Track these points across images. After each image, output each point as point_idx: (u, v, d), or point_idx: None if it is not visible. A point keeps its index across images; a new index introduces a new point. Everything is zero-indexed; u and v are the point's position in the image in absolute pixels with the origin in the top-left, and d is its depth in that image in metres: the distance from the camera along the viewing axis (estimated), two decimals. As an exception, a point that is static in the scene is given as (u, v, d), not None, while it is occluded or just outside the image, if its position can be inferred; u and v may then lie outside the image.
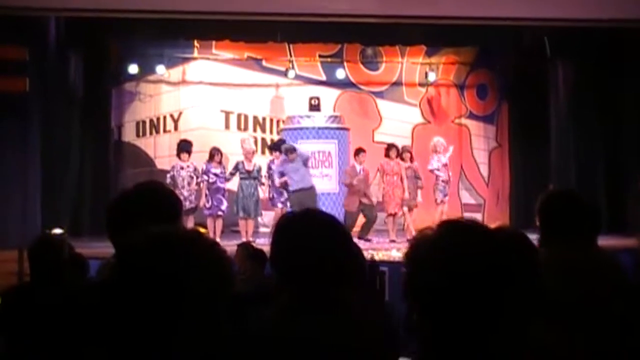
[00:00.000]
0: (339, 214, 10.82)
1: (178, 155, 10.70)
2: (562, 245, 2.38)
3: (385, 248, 9.59)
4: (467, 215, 13.13)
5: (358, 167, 10.75)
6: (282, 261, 1.88)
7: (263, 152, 13.38)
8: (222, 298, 1.29)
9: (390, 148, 11.27)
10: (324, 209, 10.89)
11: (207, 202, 10.56)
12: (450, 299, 1.21)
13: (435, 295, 1.23)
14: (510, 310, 1.21)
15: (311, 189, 10.29)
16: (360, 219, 10.78)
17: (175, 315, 1.23)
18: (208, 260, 1.29)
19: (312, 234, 1.85)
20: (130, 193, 2.17)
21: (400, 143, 13.52)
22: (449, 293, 1.22)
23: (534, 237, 2.56)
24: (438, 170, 11.11)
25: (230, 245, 6.67)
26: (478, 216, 13.52)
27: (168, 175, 10.56)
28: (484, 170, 14.01)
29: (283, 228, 1.92)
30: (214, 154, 10.69)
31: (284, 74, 12.99)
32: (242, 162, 10.67)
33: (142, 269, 1.25)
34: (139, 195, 2.15)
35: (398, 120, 13.86)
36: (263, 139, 13.43)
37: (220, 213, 10.57)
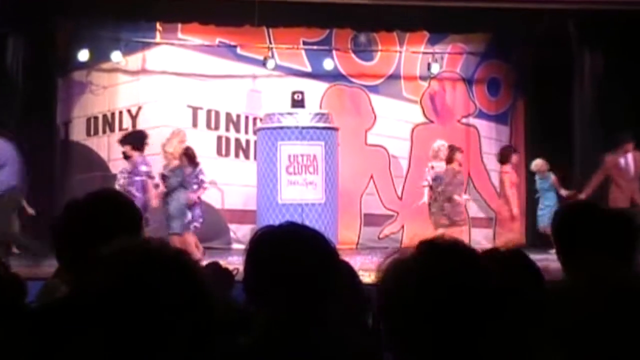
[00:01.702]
0: (325, 227, 10.84)
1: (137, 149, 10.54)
2: (588, 267, 2.39)
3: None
4: (476, 231, 13.20)
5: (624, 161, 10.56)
6: (257, 282, 1.90)
7: (237, 155, 13.40)
8: (199, 322, 1.33)
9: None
10: (308, 223, 10.94)
11: None
12: (425, 328, 1.24)
13: (409, 323, 1.26)
14: (498, 335, 1.24)
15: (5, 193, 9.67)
16: None
17: (147, 340, 1.27)
18: (185, 281, 1.32)
19: (293, 252, 1.86)
20: (82, 203, 2.17)
21: (397, 146, 13.66)
22: (423, 322, 1.25)
23: (553, 257, 2.59)
24: (435, 180, 11.19)
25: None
26: (488, 232, 13.59)
27: (118, 184, 10.45)
28: (496, 178, 14.07)
29: (258, 245, 1.93)
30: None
31: (262, 63, 12.98)
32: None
33: (111, 289, 1.29)
34: (93, 206, 2.15)
35: (395, 119, 13.91)
36: (237, 140, 13.43)
37: (196, 225, 10.54)
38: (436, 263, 1.30)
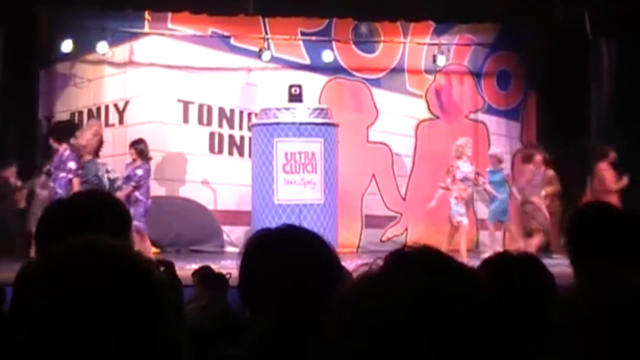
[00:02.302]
0: (324, 229, 10.82)
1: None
2: (602, 272, 2.39)
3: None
4: (485, 233, 13.19)
5: None
6: (253, 288, 1.90)
7: (230, 152, 13.40)
8: (155, 336, 1.25)
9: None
10: (306, 224, 10.95)
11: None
12: (397, 348, 1.15)
13: (380, 348, 1.17)
14: (486, 347, 1.18)
15: None
16: None
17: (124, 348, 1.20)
18: (129, 282, 1.23)
19: (291, 256, 1.87)
20: (67, 203, 2.18)
21: (400, 143, 13.65)
22: (392, 342, 1.16)
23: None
24: (463, 181, 11.15)
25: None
26: (498, 234, 13.59)
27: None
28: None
29: (254, 249, 1.94)
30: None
31: (258, 55, 12.99)
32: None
33: (37, 298, 1.21)
34: (78, 206, 2.16)
35: (399, 115, 13.90)
36: (231, 136, 13.42)
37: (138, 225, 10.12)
38: (408, 278, 1.20)
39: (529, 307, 1.81)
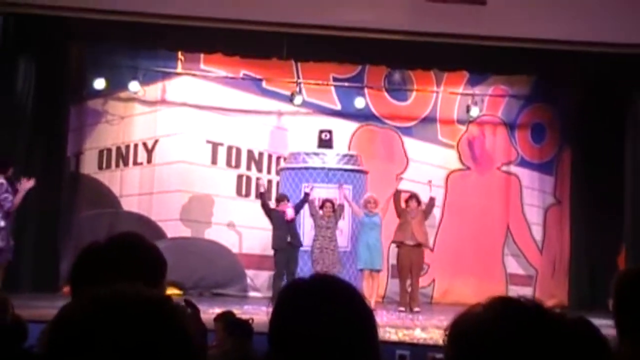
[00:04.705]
0: (349, 277, 10.77)
1: None
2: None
3: (407, 326, 9.51)
4: (514, 289, 13.03)
5: None
6: (283, 338, 1.87)
7: (257, 196, 13.39)
8: None
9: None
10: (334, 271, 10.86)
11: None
12: None
13: None
14: None
15: None
16: None
17: None
18: (165, 332, 1.26)
19: (325, 307, 1.84)
20: (102, 248, 2.18)
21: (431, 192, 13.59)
22: None
23: (601, 323, 2.51)
24: None
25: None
26: (528, 291, 13.42)
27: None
28: (537, 232, 13.96)
29: (288, 297, 1.91)
30: None
31: (289, 99, 13.06)
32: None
33: (76, 343, 1.23)
34: (114, 251, 2.15)
35: (429, 164, 13.86)
36: (259, 180, 13.43)
37: None
38: (512, 320, 1.35)
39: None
